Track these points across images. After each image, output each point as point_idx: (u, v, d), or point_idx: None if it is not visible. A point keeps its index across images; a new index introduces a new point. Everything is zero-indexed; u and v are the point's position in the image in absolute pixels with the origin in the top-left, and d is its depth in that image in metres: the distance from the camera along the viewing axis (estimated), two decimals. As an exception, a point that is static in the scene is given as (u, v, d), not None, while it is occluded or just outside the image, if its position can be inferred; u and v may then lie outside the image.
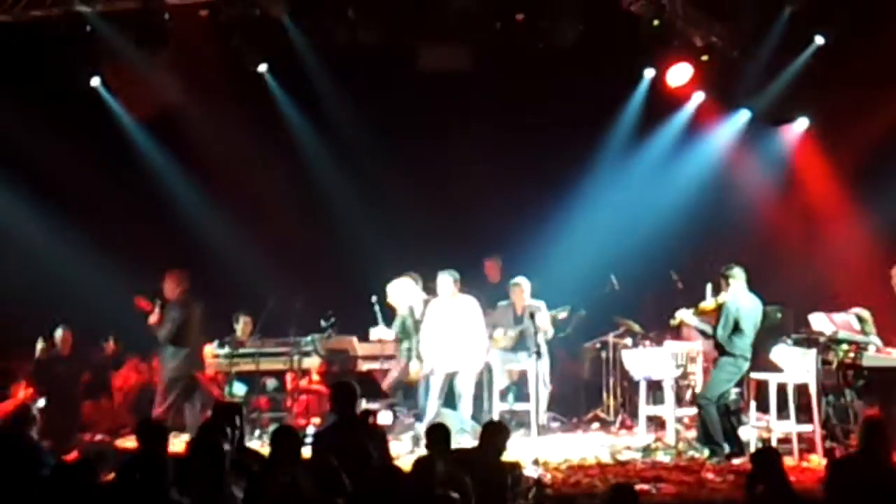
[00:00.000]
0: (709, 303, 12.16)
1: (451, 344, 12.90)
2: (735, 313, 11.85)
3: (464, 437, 11.78)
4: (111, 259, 14.72)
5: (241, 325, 14.35)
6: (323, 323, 13.76)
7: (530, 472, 10.09)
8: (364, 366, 13.59)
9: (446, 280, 13.01)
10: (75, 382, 13.88)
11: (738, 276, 11.99)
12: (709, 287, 12.20)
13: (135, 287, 13.14)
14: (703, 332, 12.37)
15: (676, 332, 13.19)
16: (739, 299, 11.95)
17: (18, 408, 10.79)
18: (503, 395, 13.58)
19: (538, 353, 13.19)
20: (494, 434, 8.98)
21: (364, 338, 13.89)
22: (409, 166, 15.52)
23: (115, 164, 15.48)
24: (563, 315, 14.02)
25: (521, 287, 13.78)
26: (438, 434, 8.81)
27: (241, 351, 13.70)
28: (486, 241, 15.21)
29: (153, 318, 12.64)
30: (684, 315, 12.27)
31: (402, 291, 13.54)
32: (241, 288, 14.54)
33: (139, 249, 14.71)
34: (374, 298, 13.78)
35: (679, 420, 12.76)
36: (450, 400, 12.93)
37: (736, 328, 11.83)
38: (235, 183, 15.66)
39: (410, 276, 13.71)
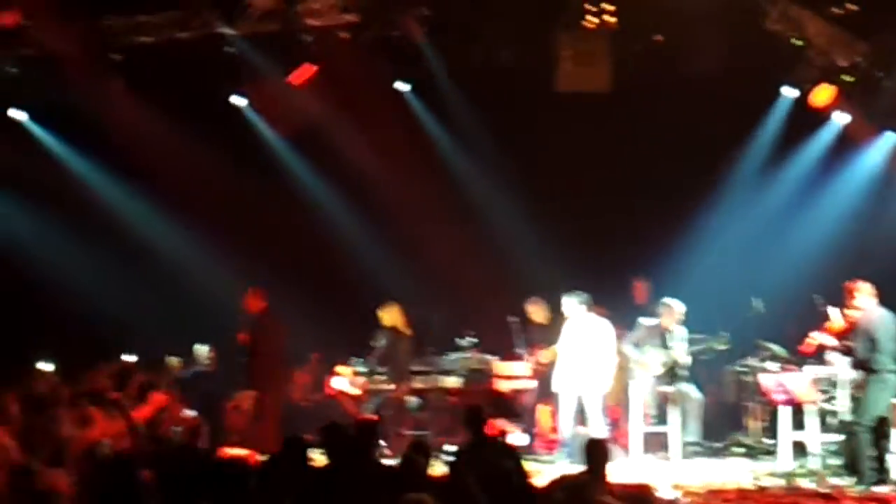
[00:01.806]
0: (836, 321, 12.37)
1: (578, 366, 13.48)
2: (867, 326, 11.95)
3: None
4: (251, 273, 15.32)
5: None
6: (462, 342, 14.34)
7: (666, 495, 10.45)
8: (502, 385, 14.20)
9: (571, 302, 13.61)
10: (224, 399, 14.59)
11: (863, 290, 12.12)
12: (831, 310, 12.45)
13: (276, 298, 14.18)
14: (843, 352, 12.50)
15: (820, 359, 13.25)
16: (870, 312, 12.06)
17: (192, 420, 11.64)
18: (646, 419, 13.88)
19: (680, 376, 13.73)
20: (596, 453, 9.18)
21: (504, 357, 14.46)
22: (548, 189, 15.90)
23: (260, 181, 16.21)
24: (721, 346, 14.41)
25: (673, 308, 14.04)
26: (597, 452, 9.01)
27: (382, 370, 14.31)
28: (629, 263, 15.40)
29: None
30: (820, 336, 12.49)
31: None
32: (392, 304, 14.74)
33: (279, 264, 15.51)
34: (513, 319, 14.31)
35: (824, 447, 12.89)
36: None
37: (871, 341, 11.89)
38: (380, 201, 16.25)
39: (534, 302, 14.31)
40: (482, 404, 11.31)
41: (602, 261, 15.30)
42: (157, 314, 15.84)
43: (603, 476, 9.01)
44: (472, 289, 15.55)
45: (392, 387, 14.32)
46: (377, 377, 14.42)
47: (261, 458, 12.33)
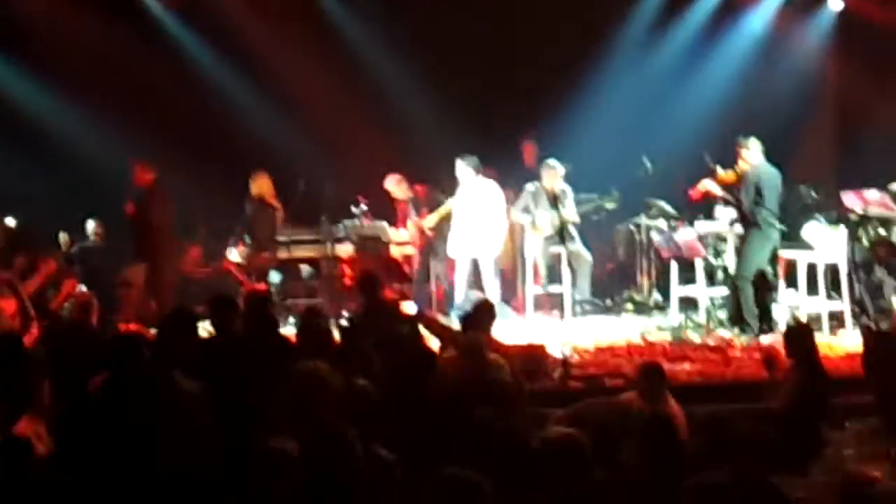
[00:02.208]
0: (727, 172, 12.77)
1: (471, 230, 13.69)
2: (755, 179, 12.32)
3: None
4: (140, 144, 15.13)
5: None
6: (354, 209, 14.43)
7: (557, 353, 10.79)
8: (396, 252, 14.38)
9: (463, 166, 13.76)
10: (112, 273, 14.34)
11: (752, 146, 12.49)
12: (720, 169, 12.87)
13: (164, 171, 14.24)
14: (727, 202, 12.89)
15: (709, 214, 13.69)
16: (758, 167, 12.44)
17: (83, 295, 11.45)
18: (537, 280, 14.19)
19: (570, 236, 13.95)
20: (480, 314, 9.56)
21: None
22: (439, 50, 15.69)
23: (147, 52, 15.84)
24: (610, 205, 14.75)
25: (555, 170, 14.22)
26: (483, 313, 9.43)
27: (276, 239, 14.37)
28: (518, 124, 15.60)
29: None
30: (708, 184, 12.82)
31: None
32: (271, 172, 14.82)
33: (168, 137, 15.28)
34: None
35: (712, 301, 13.26)
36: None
37: (758, 195, 12.27)
38: (269, 69, 16.01)
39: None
40: (376, 271, 11.56)
41: (491, 123, 15.37)
42: (45, 190, 15.56)
43: (489, 335, 9.41)
44: (365, 156, 15.49)
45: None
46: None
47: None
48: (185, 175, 14.50)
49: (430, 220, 14.33)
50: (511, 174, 14.83)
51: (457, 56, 15.64)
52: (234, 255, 14.61)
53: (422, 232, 14.40)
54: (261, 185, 14.52)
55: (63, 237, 15.37)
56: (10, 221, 14.60)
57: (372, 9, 16.13)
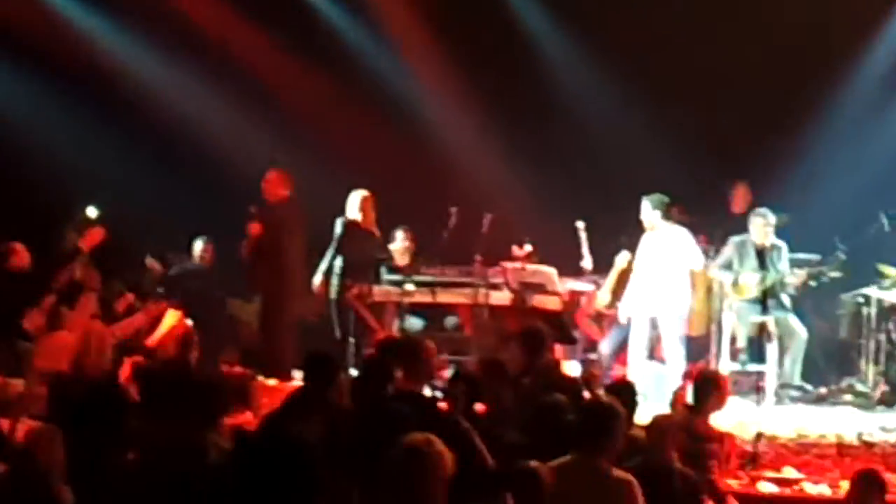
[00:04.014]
0: None
1: (653, 285, 13.86)
2: None
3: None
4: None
5: (401, 245, 15.12)
6: (516, 250, 14.64)
7: (748, 445, 10.90)
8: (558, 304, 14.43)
9: (649, 208, 13.87)
10: (219, 305, 14.91)
11: None
12: None
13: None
14: None
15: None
16: None
17: (184, 328, 12.07)
18: (736, 355, 14.21)
19: (780, 303, 14.02)
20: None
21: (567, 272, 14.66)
22: (643, 69, 16.18)
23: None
24: (835, 273, 14.57)
25: (767, 220, 14.18)
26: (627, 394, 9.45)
27: (417, 279, 14.41)
28: (728, 162, 15.78)
29: None
30: None
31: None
32: (398, 200, 15.04)
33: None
34: (580, 224, 14.73)
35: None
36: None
37: None
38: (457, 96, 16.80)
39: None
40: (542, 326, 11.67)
41: (693, 155, 15.62)
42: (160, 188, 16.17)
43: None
44: (533, 187, 16.00)
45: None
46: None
47: (268, 380, 13.48)
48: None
49: (604, 295, 14.54)
50: (712, 220, 14.98)
51: (663, 78, 16.05)
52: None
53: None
54: (364, 205, 14.55)
55: (151, 262, 15.54)
56: (92, 212, 14.78)
57: (574, 28, 16.80)
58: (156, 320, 13.13)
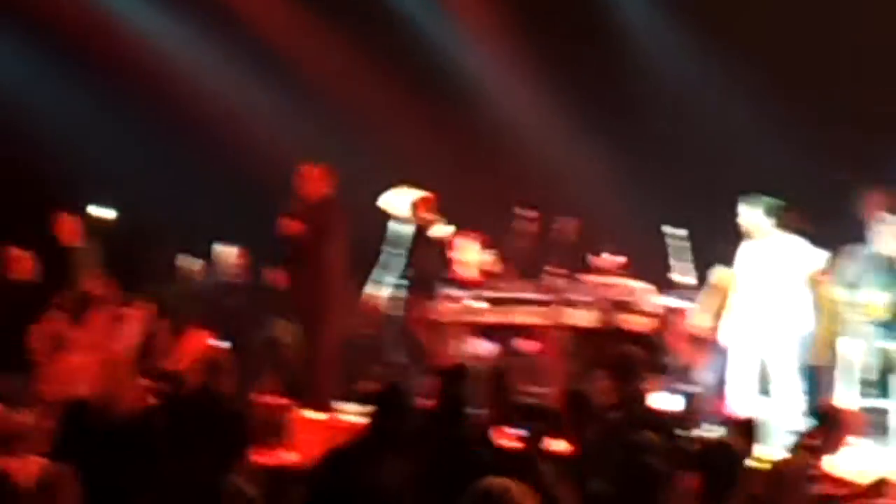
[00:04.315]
0: None
1: (762, 305, 13.20)
2: None
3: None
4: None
5: (472, 256, 14.72)
6: (597, 261, 14.47)
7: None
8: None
9: (757, 212, 13.23)
10: (255, 324, 14.56)
11: None
12: None
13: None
14: None
15: None
16: None
17: (215, 351, 11.81)
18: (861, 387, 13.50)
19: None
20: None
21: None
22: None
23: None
24: None
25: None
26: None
27: (487, 295, 14.12)
28: (859, 160, 15.18)
29: None
30: None
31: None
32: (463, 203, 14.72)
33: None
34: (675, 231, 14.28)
35: None
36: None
37: None
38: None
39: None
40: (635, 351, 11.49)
41: (817, 150, 15.32)
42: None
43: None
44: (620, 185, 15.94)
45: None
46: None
47: (306, 412, 13.01)
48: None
49: (702, 316, 13.88)
50: (834, 228, 14.10)
51: (778, 65, 15.89)
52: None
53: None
54: (427, 205, 14.28)
55: (189, 263, 15.51)
56: (108, 213, 14.96)
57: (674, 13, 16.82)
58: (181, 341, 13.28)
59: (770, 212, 13.28)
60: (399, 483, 8.01)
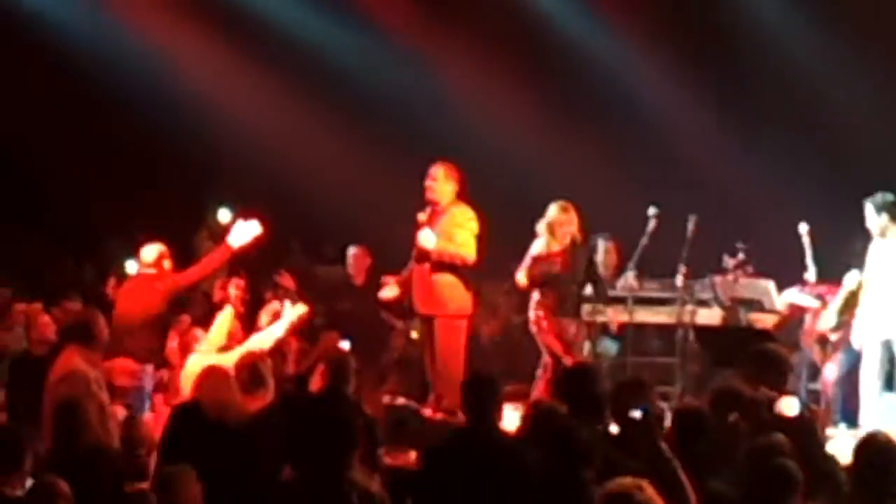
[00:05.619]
0: None
1: (885, 300, 12.97)
2: None
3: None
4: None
5: (603, 257, 14.50)
6: (727, 260, 14.07)
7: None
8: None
9: (870, 211, 13.03)
10: (378, 324, 14.58)
11: None
12: None
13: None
14: None
15: None
16: None
17: (338, 352, 11.66)
18: None
19: None
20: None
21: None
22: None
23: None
24: None
25: None
26: None
27: (612, 294, 13.88)
28: None
29: None
30: None
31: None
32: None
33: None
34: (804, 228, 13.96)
35: None
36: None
37: None
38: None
39: None
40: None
41: None
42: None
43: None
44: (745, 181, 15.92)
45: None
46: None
47: (441, 414, 12.99)
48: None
49: (830, 317, 13.72)
50: None
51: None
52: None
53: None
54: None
55: (284, 279, 15.27)
56: (224, 216, 14.91)
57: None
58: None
59: (881, 208, 13.08)
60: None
